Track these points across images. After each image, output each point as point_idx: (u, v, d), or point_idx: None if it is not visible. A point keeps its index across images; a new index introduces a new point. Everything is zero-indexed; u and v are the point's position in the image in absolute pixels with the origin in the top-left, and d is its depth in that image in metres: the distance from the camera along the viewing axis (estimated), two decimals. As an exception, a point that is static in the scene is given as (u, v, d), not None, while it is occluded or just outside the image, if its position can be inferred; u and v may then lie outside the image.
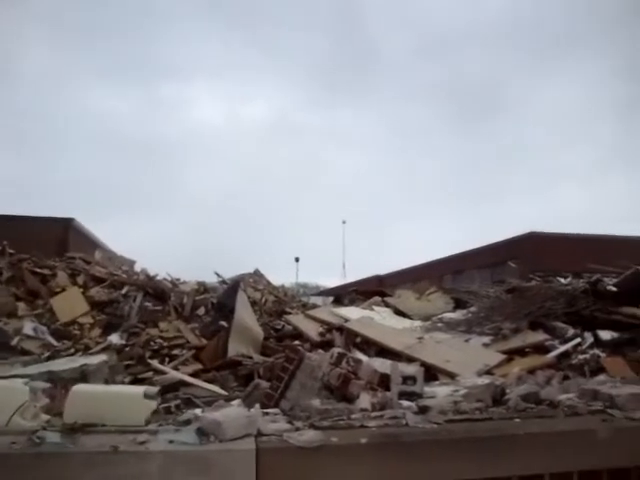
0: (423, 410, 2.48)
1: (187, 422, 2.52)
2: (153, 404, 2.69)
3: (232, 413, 2.33)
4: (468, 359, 6.79)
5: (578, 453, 2.23)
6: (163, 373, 6.82)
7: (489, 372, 6.31)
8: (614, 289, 8.55)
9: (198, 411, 2.96)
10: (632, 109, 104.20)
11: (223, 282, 11.47)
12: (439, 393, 3.82)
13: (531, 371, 6.19)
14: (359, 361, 4.45)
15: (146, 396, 2.63)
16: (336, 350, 4.48)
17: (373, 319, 8.64)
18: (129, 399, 2.63)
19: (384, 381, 4.42)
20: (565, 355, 7.16)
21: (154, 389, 2.83)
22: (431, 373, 6.40)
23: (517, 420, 2.37)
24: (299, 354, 4.88)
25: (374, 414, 2.39)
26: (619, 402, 2.48)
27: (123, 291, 9.10)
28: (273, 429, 2.25)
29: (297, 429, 2.21)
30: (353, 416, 2.33)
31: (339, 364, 4.28)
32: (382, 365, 4.96)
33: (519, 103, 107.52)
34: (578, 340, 7.35)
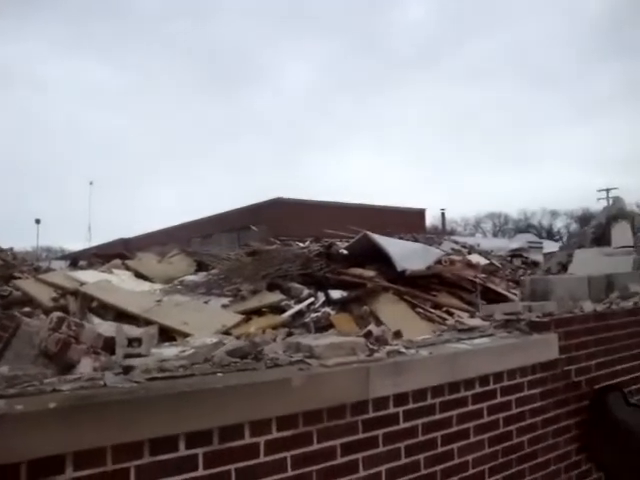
0: (126, 370, 2.37)
1: None
2: None
3: None
4: (206, 320, 6.83)
5: (275, 401, 2.31)
6: None
7: (227, 332, 6.41)
8: (345, 252, 9.24)
9: None
10: (369, 86, 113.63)
11: (-61, 246, 10.16)
12: (166, 354, 3.73)
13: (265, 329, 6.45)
14: (81, 325, 4.17)
15: None
16: (55, 314, 4.14)
17: (111, 282, 8.26)
18: None
19: (109, 345, 4.23)
20: (300, 314, 7.56)
21: None
22: (170, 335, 6.33)
23: (219, 374, 2.39)
24: (15, 321, 4.46)
25: (71, 377, 2.22)
26: (317, 352, 2.63)
27: None
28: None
29: (-25, 400, 1.96)
30: (46, 381, 2.13)
31: (59, 329, 3.97)
32: (108, 328, 4.76)
33: (271, 74, 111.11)
34: (311, 300, 7.80)
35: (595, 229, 6.38)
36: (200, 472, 2.16)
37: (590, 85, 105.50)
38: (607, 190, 42.90)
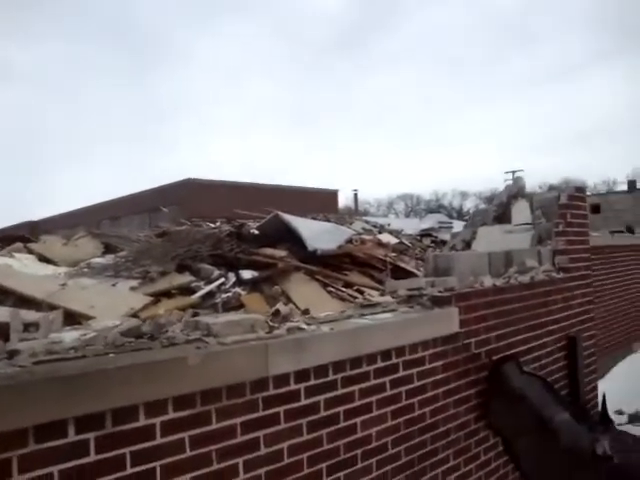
0: (11, 355, 2.26)
1: None
2: None
3: None
4: (113, 303, 6.65)
5: (171, 380, 2.26)
6: None
7: (135, 315, 6.26)
8: (256, 232, 9.21)
9: None
10: (287, 65, 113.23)
11: None
12: (66, 338, 3.60)
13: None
14: (-29, 310, 3.96)
15: None
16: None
17: (12, 267, 7.89)
18: None
19: (4, 331, 4.05)
20: (210, 295, 7.48)
21: None
22: (77, 320, 6.12)
23: (112, 355, 2.31)
24: None
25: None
26: (215, 329, 2.59)
27: None
28: None
29: None
30: None
31: (-55, 315, 3.75)
32: (3, 314, 4.55)
33: (185, 54, 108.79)
34: (222, 280, 7.73)
35: (497, 207, 6.61)
36: (92, 457, 2.09)
37: (500, 71, 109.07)
38: (513, 172, 44.50)
